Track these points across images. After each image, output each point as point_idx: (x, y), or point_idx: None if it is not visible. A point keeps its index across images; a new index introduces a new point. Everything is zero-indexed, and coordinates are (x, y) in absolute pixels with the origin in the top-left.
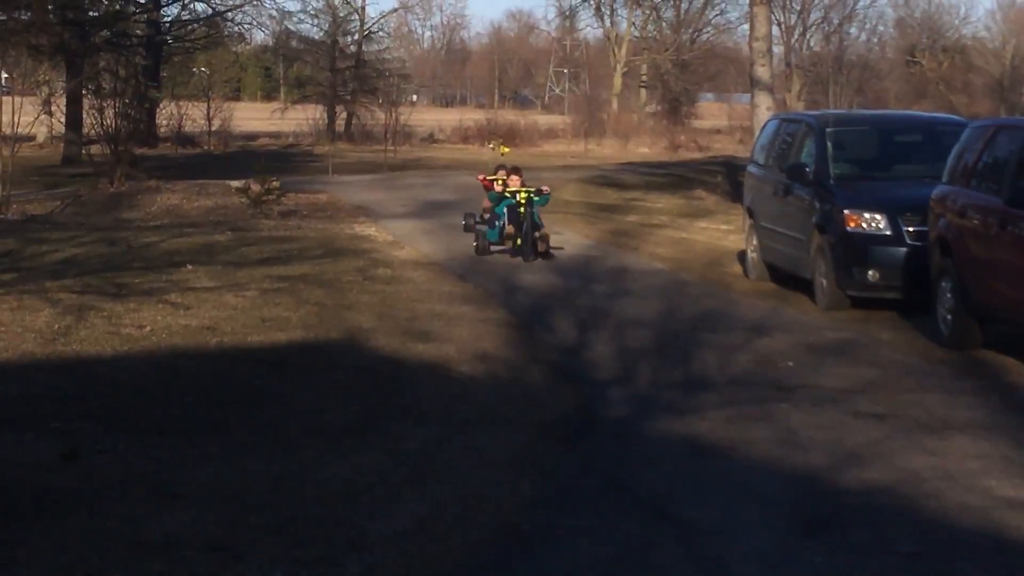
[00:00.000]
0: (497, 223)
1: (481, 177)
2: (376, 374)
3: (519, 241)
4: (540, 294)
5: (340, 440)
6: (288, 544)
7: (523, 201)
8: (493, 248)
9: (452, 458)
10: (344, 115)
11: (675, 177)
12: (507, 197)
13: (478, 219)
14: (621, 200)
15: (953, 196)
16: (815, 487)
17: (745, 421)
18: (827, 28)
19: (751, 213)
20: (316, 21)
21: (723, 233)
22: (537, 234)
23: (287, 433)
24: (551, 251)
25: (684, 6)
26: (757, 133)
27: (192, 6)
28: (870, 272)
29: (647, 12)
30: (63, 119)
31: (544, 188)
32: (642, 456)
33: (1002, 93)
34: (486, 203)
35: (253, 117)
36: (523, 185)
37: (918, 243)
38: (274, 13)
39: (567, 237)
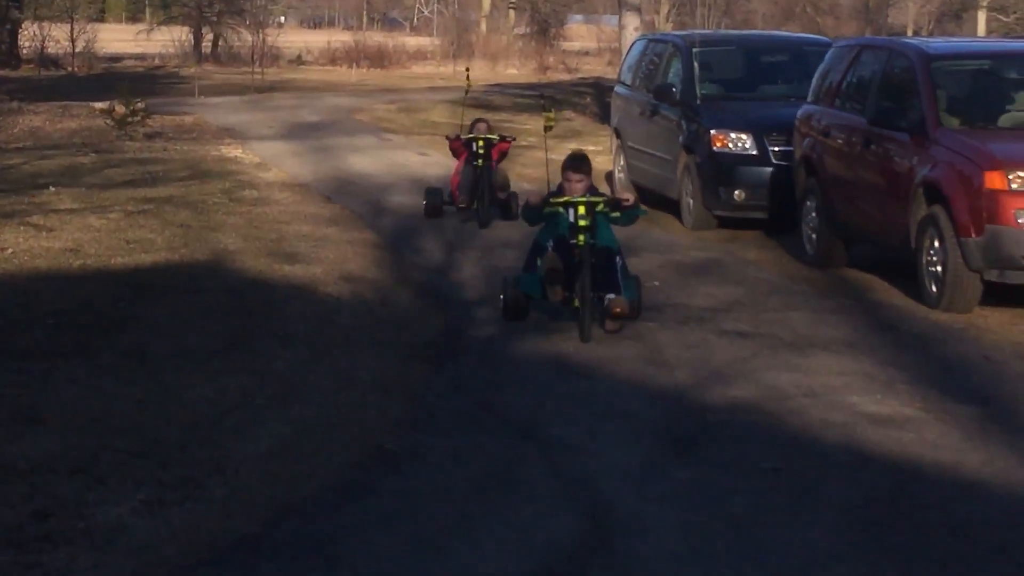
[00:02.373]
0: (539, 265)
1: (454, 138)
2: (242, 296)
3: (575, 302)
4: (408, 216)
5: (205, 363)
6: (152, 467)
7: (584, 223)
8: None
9: (318, 380)
10: (211, 36)
11: (544, 98)
12: (558, 212)
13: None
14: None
15: (818, 116)
16: (681, 405)
17: (612, 340)
18: None
19: (618, 134)
20: None
21: (592, 154)
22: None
23: (151, 356)
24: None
25: None
26: (625, 54)
27: None
28: (736, 192)
29: None
30: None
31: (627, 198)
32: (509, 376)
33: (867, 15)
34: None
35: (118, 39)
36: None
37: (784, 163)
38: None
39: (436, 159)
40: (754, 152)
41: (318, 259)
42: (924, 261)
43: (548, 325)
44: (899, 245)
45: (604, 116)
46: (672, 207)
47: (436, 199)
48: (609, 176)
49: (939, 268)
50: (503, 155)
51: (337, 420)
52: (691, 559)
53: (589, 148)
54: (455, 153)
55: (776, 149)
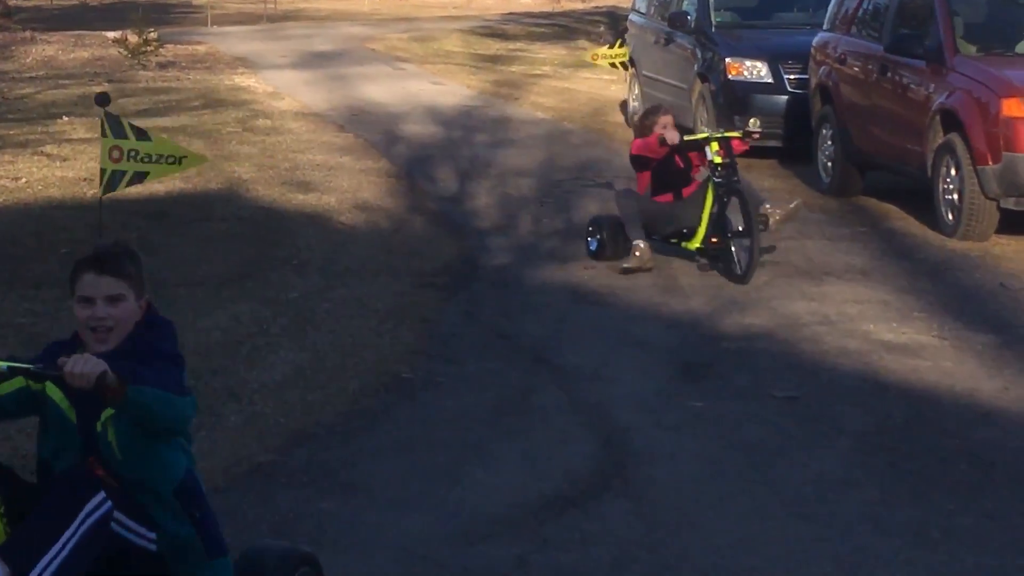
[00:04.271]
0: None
1: (652, 144)
2: (256, 224)
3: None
4: (421, 144)
5: (219, 291)
6: None
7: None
8: None
9: (332, 308)
10: None
11: (558, 27)
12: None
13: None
14: (504, 51)
15: (834, 43)
16: (695, 333)
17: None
18: None
19: (633, 62)
20: None
21: (605, 83)
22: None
23: (165, 284)
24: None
25: None
26: None
27: None
28: (752, 119)
29: None
30: None
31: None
32: (523, 304)
33: None
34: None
35: None
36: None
37: (799, 91)
38: None
39: (450, 88)
40: (769, 80)
41: (332, 188)
42: (940, 189)
43: (562, 252)
44: (915, 173)
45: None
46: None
47: (614, 232)
48: (623, 105)
49: (955, 196)
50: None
51: (351, 348)
52: (705, 486)
53: (603, 77)
54: (643, 163)
55: (791, 77)
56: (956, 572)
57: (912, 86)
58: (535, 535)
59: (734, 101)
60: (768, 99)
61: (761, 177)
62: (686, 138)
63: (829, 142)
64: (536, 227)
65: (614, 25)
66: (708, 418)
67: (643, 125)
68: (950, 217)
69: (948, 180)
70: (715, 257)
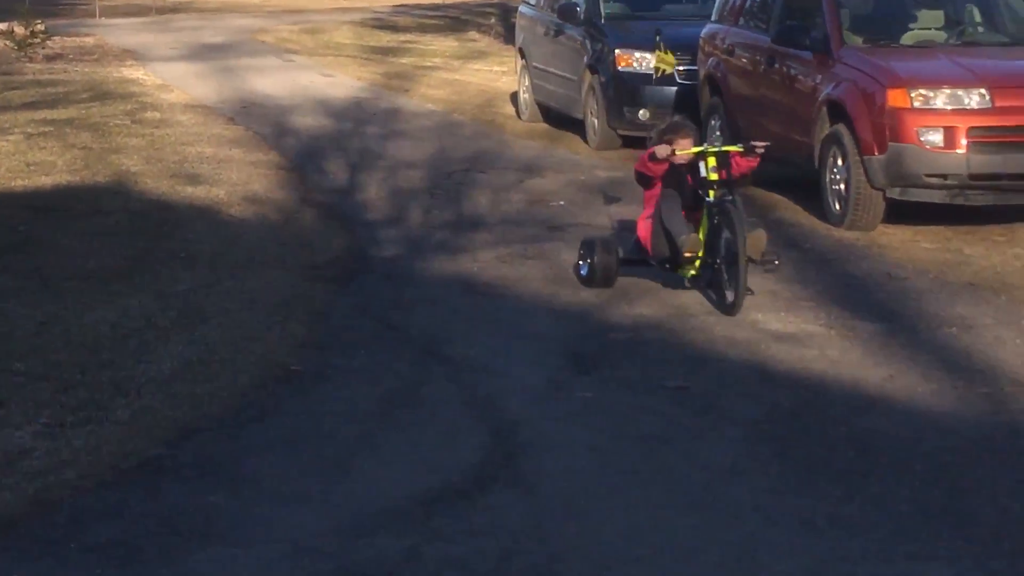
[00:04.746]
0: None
1: (645, 160)
2: (144, 218)
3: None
4: (312, 137)
5: (107, 284)
6: (54, 389)
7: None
8: None
9: (222, 301)
10: None
11: (449, 19)
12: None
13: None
14: (395, 42)
15: (722, 35)
16: (586, 324)
17: (517, 260)
18: None
19: (523, 54)
20: None
21: (496, 75)
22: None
23: (52, 278)
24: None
25: None
26: None
27: None
28: (641, 111)
29: None
30: None
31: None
32: (414, 296)
33: None
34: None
35: None
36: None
37: (688, 82)
38: None
39: (340, 80)
40: None
41: (221, 180)
42: (828, 179)
43: (453, 244)
44: (803, 163)
45: (509, 36)
46: (577, 127)
47: (610, 256)
48: (514, 96)
49: (843, 186)
50: (745, 179)
51: (241, 341)
52: (595, 477)
53: (494, 69)
54: (644, 180)
55: (681, 68)
56: (842, 559)
57: (799, 77)
58: (424, 527)
59: (624, 93)
60: (657, 90)
61: None
62: (678, 151)
63: (718, 133)
64: (427, 219)
65: (505, 17)
66: (598, 409)
67: (659, 140)
68: (837, 207)
69: (835, 170)
70: (710, 285)
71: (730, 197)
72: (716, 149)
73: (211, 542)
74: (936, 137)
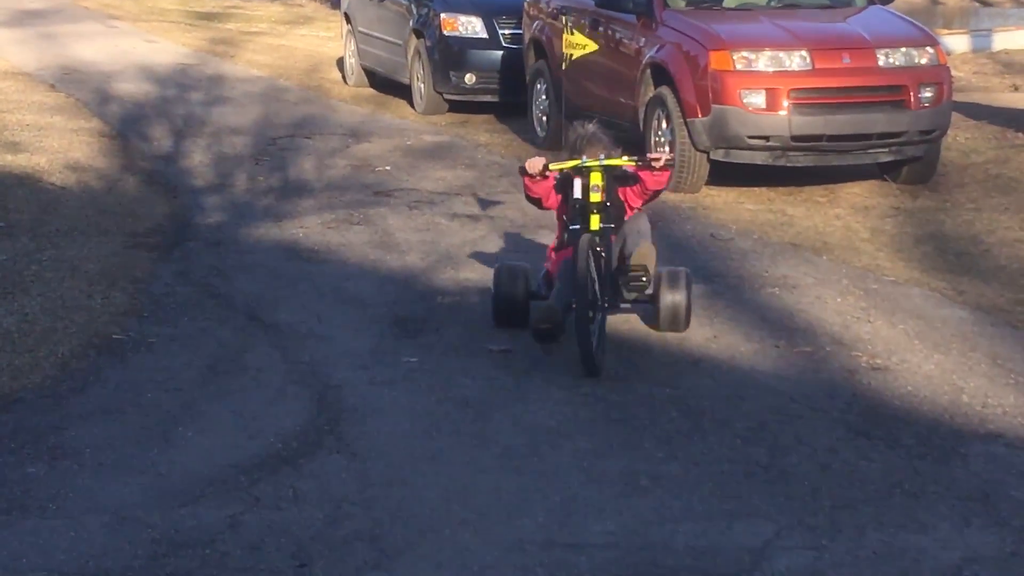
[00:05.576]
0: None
1: (538, 172)
2: None
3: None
4: (135, 103)
5: None
6: None
7: (597, 198)
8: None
9: (42, 270)
10: None
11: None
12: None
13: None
14: (220, 8)
15: None
16: (411, 289)
17: (342, 225)
18: None
19: (349, 18)
20: None
21: (323, 40)
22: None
23: None
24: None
25: None
26: None
27: None
28: (467, 75)
29: None
30: None
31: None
32: (237, 263)
33: None
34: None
35: None
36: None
37: (514, 46)
38: None
39: (164, 46)
40: (484, 35)
41: (42, 148)
42: (652, 142)
43: (277, 210)
44: (628, 126)
45: (335, 1)
46: (403, 92)
47: (515, 288)
48: (340, 62)
49: (667, 149)
50: (653, 198)
51: (61, 311)
52: (419, 441)
53: (320, 34)
54: (537, 198)
55: (506, 32)
56: (664, 518)
57: (623, 40)
58: (247, 495)
59: (450, 57)
60: (483, 55)
61: (477, 132)
62: (552, 166)
63: (543, 96)
64: (252, 185)
65: None
66: (422, 373)
67: (568, 157)
68: None
69: (660, 133)
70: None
71: (612, 224)
72: (598, 163)
73: (30, 514)
74: (758, 99)
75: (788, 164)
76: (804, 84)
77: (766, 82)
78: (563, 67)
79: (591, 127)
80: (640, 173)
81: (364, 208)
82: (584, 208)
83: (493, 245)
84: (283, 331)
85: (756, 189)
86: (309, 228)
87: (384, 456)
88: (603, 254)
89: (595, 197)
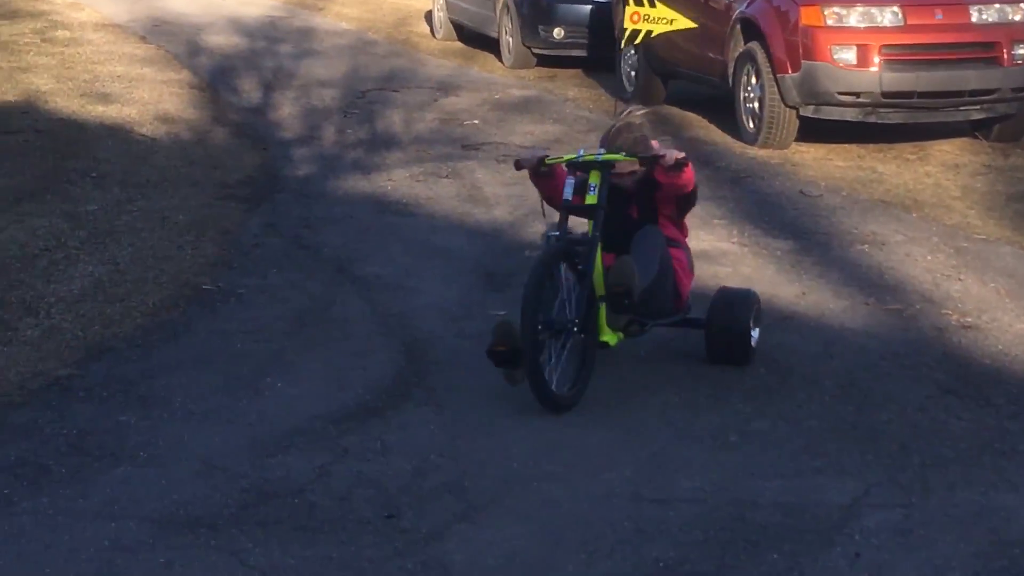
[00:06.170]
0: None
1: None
2: (54, 137)
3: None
4: (225, 55)
5: (16, 204)
6: None
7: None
8: None
9: (132, 220)
10: None
11: None
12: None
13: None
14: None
15: None
16: (498, 243)
17: (430, 179)
18: None
19: None
20: None
21: None
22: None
23: None
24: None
25: None
26: None
27: None
28: (556, 30)
29: None
30: None
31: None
32: (326, 215)
33: None
34: None
35: None
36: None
37: (603, 0)
38: None
39: None
40: None
41: (133, 100)
42: (742, 98)
43: (366, 163)
44: (717, 82)
45: None
46: (492, 46)
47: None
48: (428, 16)
49: (756, 105)
50: (685, 205)
51: (151, 261)
52: (506, 394)
53: None
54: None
55: None
56: (752, 474)
57: None
58: (336, 446)
59: (539, 11)
60: (572, 9)
61: (565, 86)
62: (548, 159)
63: (632, 52)
64: (340, 138)
65: None
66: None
67: (606, 145)
68: (751, 125)
69: (749, 89)
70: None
71: (598, 234)
72: (592, 157)
73: (121, 462)
74: (849, 55)
75: (878, 121)
76: (896, 40)
77: (857, 38)
78: (622, 44)
79: (637, 114)
80: (656, 174)
81: (452, 162)
82: (573, 209)
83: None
84: (371, 283)
85: (846, 146)
86: (397, 181)
87: (472, 409)
88: (582, 268)
89: (590, 199)
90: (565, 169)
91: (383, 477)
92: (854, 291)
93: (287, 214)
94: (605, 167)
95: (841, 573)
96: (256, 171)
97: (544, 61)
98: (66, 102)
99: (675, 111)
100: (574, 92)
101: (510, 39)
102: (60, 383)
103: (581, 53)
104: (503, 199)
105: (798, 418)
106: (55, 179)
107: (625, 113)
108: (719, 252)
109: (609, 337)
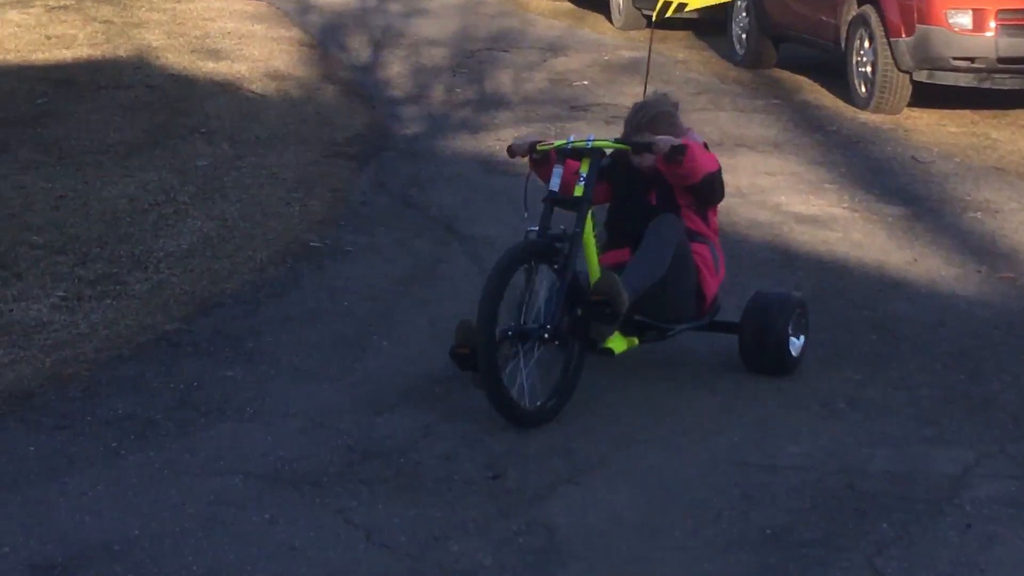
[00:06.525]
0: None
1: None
2: (165, 93)
3: None
4: (335, 13)
5: (127, 159)
6: (72, 263)
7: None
8: None
9: (241, 177)
10: None
11: None
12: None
13: None
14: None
15: None
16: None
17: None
18: None
19: None
20: None
21: None
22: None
23: (72, 152)
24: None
25: None
26: None
27: None
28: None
29: None
30: None
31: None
32: (434, 174)
33: None
34: None
35: None
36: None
37: None
38: None
39: None
40: None
41: (243, 56)
42: (854, 62)
43: (474, 123)
44: (829, 46)
45: None
46: (602, 6)
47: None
48: None
49: (869, 69)
50: (704, 196)
51: (260, 217)
52: (614, 359)
53: None
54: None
55: None
56: (861, 442)
57: None
58: (442, 404)
59: None
60: None
61: (675, 48)
62: (539, 147)
63: (744, 14)
64: (449, 97)
65: None
66: None
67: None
68: (863, 90)
69: (861, 53)
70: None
71: (578, 228)
72: (583, 143)
73: (227, 417)
74: (964, 19)
75: (993, 87)
76: (1012, 4)
77: (973, 2)
78: (654, 18)
79: (656, 96)
80: (658, 162)
81: (561, 122)
82: (558, 205)
83: None
84: (479, 243)
85: (959, 112)
86: (506, 141)
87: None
88: (559, 267)
89: (577, 190)
90: (555, 156)
91: (489, 437)
92: (966, 259)
93: (395, 172)
94: (595, 155)
95: (951, 544)
96: (365, 129)
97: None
98: (177, 58)
99: (786, 74)
100: (684, 54)
101: (620, 0)
102: (168, 338)
103: (692, 15)
104: None
105: (908, 386)
106: (165, 135)
107: (653, 101)
108: (829, 217)
109: (615, 344)
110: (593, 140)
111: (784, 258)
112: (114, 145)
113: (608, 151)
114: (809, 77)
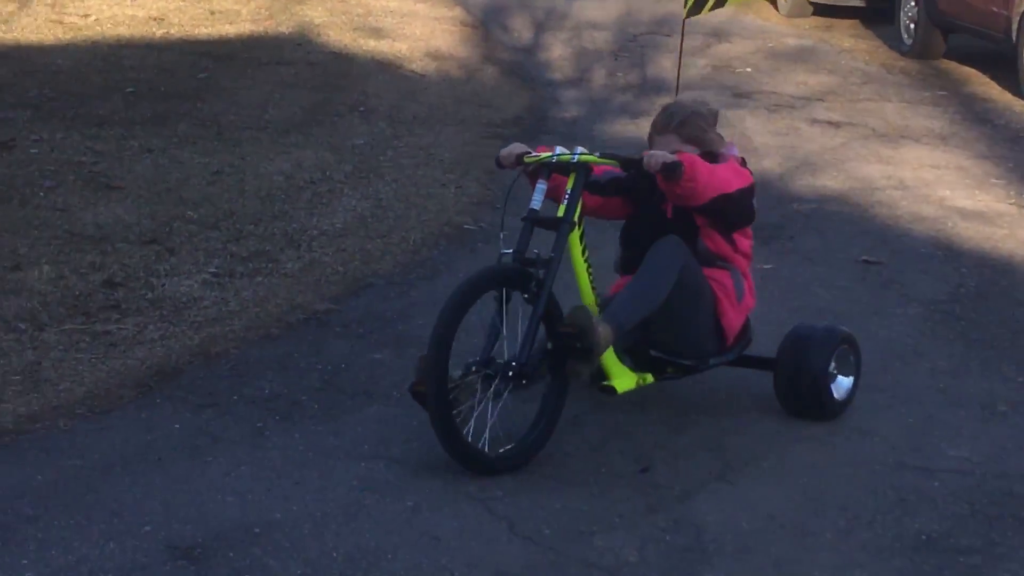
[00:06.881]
0: None
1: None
2: (325, 70)
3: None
4: None
5: (284, 135)
6: (225, 239)
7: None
8: None
9: (397, 156)
10: None
11: None
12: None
13: None
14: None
15: None
16: (767, 194)
17: None
18: None
19: None
20: None
21: None
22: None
23: (230, 127)
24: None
25: None
26: None
27: None
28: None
29: None
30: None
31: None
32: None
33: None
34: None
35: None
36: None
37: None
38: None
39: None
40: None
41: (404, 35)
42: None
43: (634, 107)
44: (999, 37)
45: None
46: None
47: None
48: None
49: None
50: (718, 215)
51: (414, 198)
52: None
53: None
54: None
55: None
56: (1022, 447)
57: None
58: (591, 394)
59: None
60: None
61: (841, 37)
62: (527, 158)
63: (912, 3)
64: (609, 81)
65: None
66: (776, 281)
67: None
68: None
69: None
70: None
71: (553, 255)
72: (568, 156)
73: (374, 400)
74: None
75: None
76: None
77: None
78: (685, 15)
79: (702, 104)
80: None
81: (722, 109)
82: (538, 221)
83: (853, 154)
84: None
85: None
86: None
87: (729, 367)
88: (528, 296)
89: (560, 210)
90: (540, 171)
91: (638, 430)
92: None
93: None
94: (582, 170)
95: None
96: (523, 111)
97: (820, 10)
98: (338, 35)
99: (954, 66)
100: (850, 43)
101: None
102: (317, 317)
103: (859, 3)
104: (773, 149)
105: None
106: (324, 112)
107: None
108: (995, 213)
109: (619, 382)
110: (580, 154)
111: (947, 254)
112: (272, 121)
113: (609, 165)
114: (977, 69)
